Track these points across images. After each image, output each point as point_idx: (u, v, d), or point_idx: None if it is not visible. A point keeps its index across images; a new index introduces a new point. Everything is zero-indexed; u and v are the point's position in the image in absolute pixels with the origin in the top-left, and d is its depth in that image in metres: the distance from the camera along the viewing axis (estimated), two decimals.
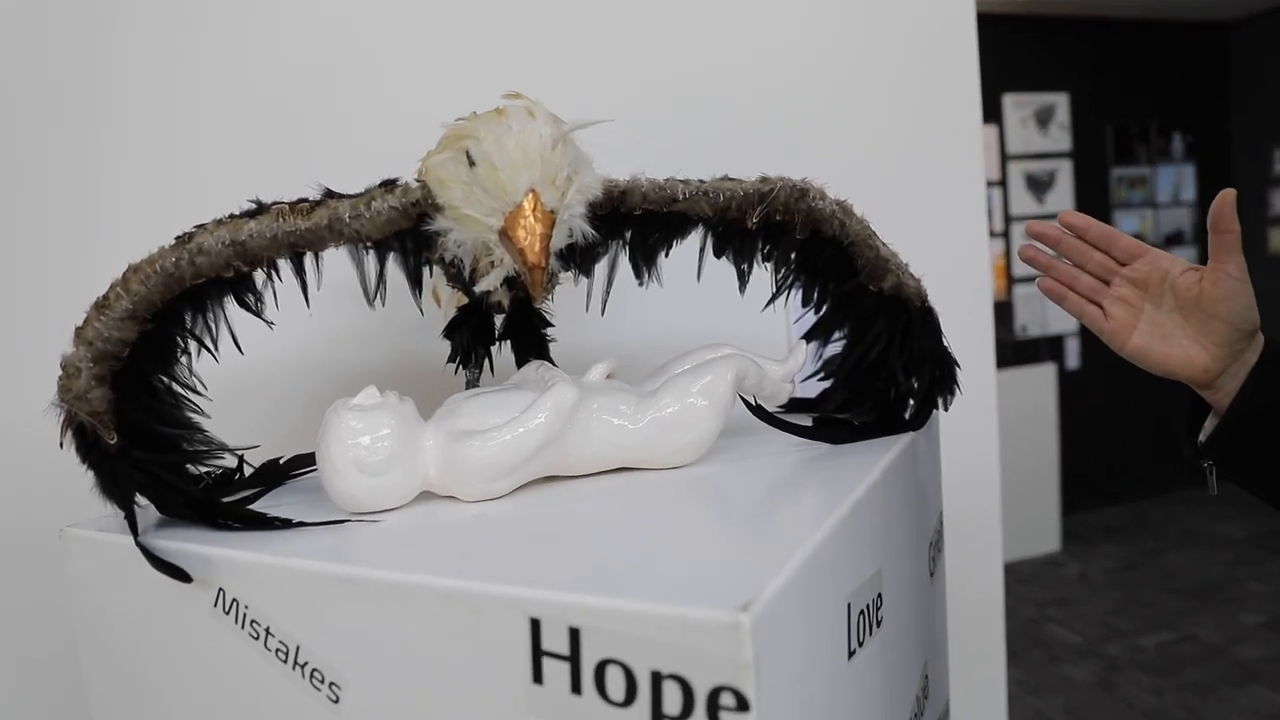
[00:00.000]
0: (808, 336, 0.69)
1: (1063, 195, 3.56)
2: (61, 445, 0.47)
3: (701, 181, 0.53)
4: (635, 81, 0.90)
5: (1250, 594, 2.93)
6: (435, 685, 0.38)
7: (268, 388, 0.79)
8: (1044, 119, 3.52)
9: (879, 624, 0.50)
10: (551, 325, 0.66)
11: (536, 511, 0.47)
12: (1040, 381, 3.37)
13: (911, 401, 0.63)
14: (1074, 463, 3.55)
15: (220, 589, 0.45)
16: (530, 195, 0.43)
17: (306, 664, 0.42)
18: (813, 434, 0.57)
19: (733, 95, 0.95)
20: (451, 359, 0.62)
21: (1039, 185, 3.56)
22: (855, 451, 0.56)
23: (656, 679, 0.32)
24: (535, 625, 0.34)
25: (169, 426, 0.55)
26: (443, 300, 0.74)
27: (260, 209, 0.49)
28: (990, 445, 1.14)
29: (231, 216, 0.49)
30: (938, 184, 1.05)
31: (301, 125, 0.83)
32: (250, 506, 0.52)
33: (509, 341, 0.64)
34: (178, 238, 0.48)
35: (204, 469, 0.57)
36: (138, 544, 0.46)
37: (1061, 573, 3.27)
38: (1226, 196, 0.56)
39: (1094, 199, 3.63)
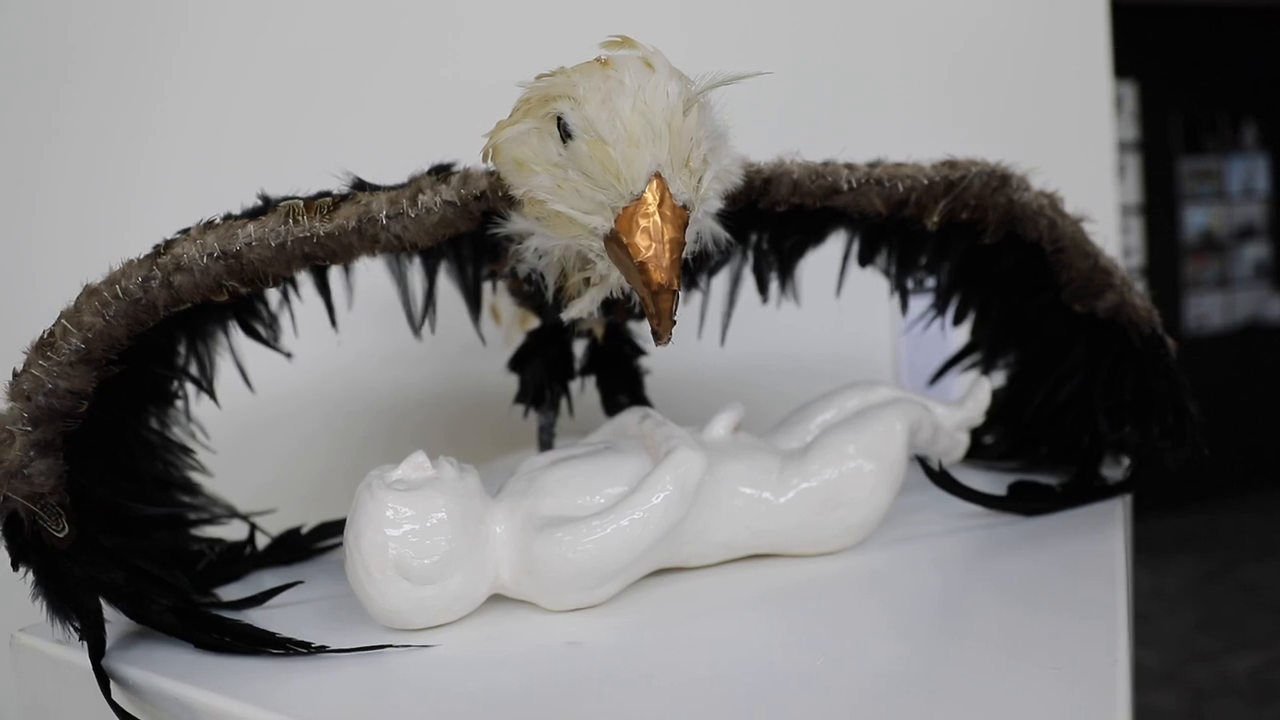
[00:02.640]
0: (952, 364, 0.55)
1: (1130, 187, 3.38)
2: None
3: (870, 166, 0.39)
4: (725, 42, 0.76)
5: None
6: None
7: (281, 432, 0.66)
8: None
9: None
10: (644, 354, 0.51)
11: (658, 640, 0.33)
12: None
13: (1105, 454, 0.48)
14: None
15: None
16: (655, 183, 0.29)
17: None
18: (1008, 506, 0.42)
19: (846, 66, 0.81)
20: (520, 399, 0.48)
21: None
22: (1054, 529, 0.42)
23: None
24: None
25: (152, 499, 0.41)
26: (504, 318, 0.60)
27: (266, 206, 0.35)
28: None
29: (227, 217, 0.35)
30: (1064, 168, 0.91)
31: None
32: (260, 608, 0.39)
33: (593, 376, 0.50)
34: (155, 247, 0.35)
35: (203, 544, 0.45)
36: (99, 679, 0.33)
37: (1134, 585, 3.07)
38: None
39: (1162, 191, 3.44)
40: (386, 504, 0.33)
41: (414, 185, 0.35)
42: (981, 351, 0.52)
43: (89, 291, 0.33)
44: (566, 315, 0.36)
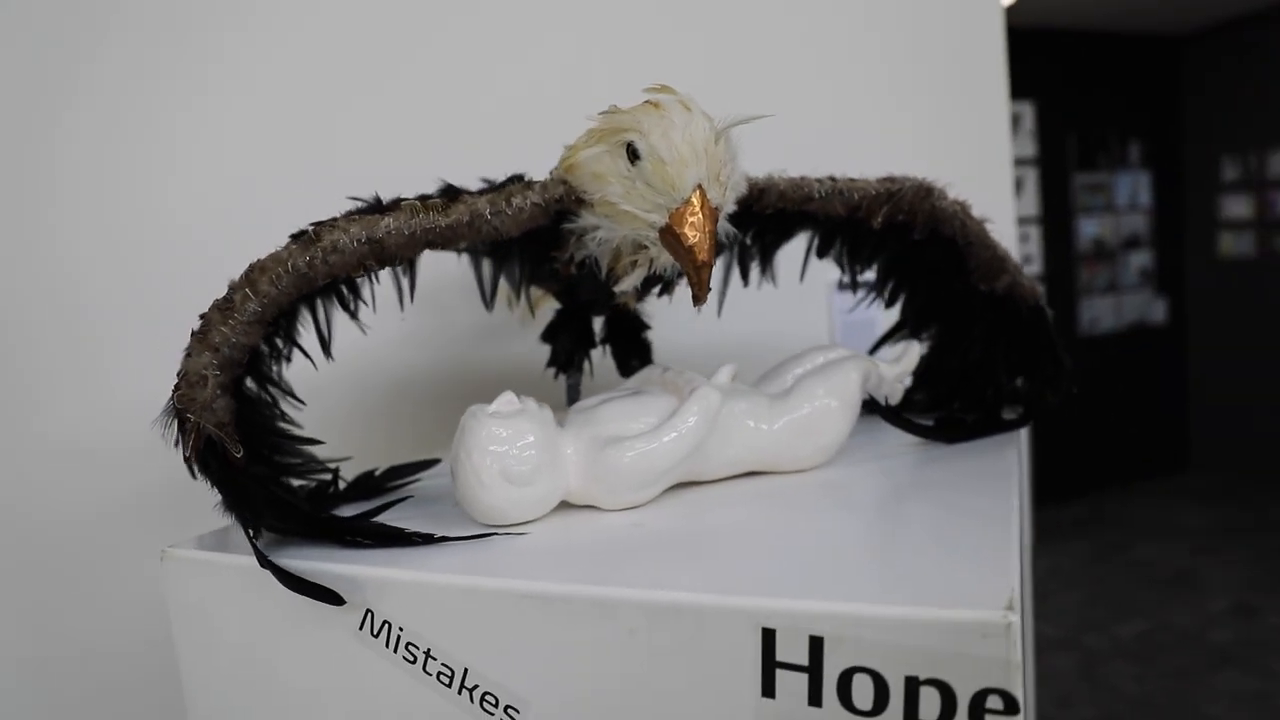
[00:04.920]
0: (888, 337, 0.69)
1: (1029, 200, 3.66)
2: (190, 463, 0.43)
3: (833, 180, 0.52)
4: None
5: (1214, 581, 3.03)
6: (637, 703, 0.36)
7: (334, 395, 0.76)
8: (1012, 126, 3.61)
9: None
10: (649, 327, 0.64)
11: (698, 521, 0.45)
12: None
13: (1004, 401, 0.63)
14: (1041, 458, 3.63)
15: (368, 610, 0.42)
16: (698, 192, 0.42)
17: (476, 687, 0.39)
18: (934, 434, 0.57)
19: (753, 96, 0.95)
20: (552, 364, 0.60)
21: None
22: (969, 452, 0.56)
23: (912, 685, 0.31)
24: (769, 636, 0.33)
25: (274, 437, 0.52)
26: (520, 303, 0.72)
27: (391, 204, 0.46)
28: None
29: (360, 213, 0.46)
30: (968, 182, 1.07)
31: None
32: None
33: (610, 346, 0.62)
34: (301, 235, 0.45)
35: (307, 478, 0.55)
36: (273, 567, 0.43)
37: (1033, 567, 3.34)
38: None
39: (1058, 204, 3.73)
40: (490, 427, 0.45)
41: (506, 190, 0.46)
42: (909, 327, 0.67)
43: (260, 269, 0.44)
44: (619, 288, 0.48)
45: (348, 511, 0.51)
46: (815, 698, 0.32)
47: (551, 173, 0.49)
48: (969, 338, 0.62)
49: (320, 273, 0.44)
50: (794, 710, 0.33)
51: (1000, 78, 1.11)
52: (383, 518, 0.50)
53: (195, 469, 0.44)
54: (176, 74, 0.76)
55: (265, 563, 0.43)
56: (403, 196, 0.47)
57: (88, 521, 0.75)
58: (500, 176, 0.53)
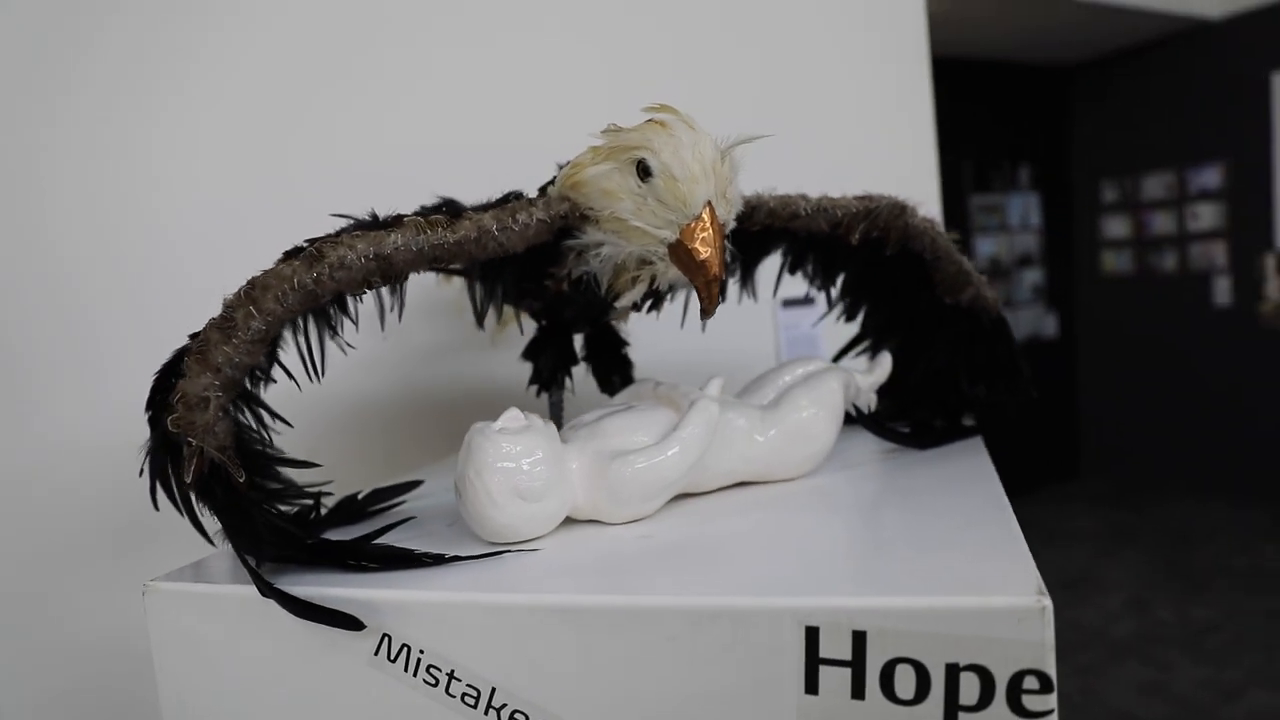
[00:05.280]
0: (849, 348, 0.72)
1: None
2: (191, 487, 0.42)
3: (816, 198, 0.54)
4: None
5: (1110, 579, 3.22)
6: (676, 710, 0.36)
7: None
8: None
9: None
10: (629, 344, 0.65)
11: (706, 530, 0.46)
12: None
13: (965, 408, 0.66)
14: None
15: (385, 635, 0.41)
16: (707, 208, 0.43)
17: (505, 706, 0.39)
18: (909, 440, 0.59)
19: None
20: (534, 381, 0.60)
21: None
22: (936, 458, 0.58)
23: (952, 672, 0.33)
24: (812, 634, 0.34)
25: (261, 460, 0.50)
26: (489, 323, 0.71)
27: (392, 221, 0.46)
28: None
29: (362, 229, 0.45)
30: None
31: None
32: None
33: (591, 363, 0.63)
34: (300, 252, 0.44)
35: (283, 507, 0.53)
36: (280, 595, 0.42)
37: None
38: None
39: (956, 224, 3.92)
40: (500, 444, 0.45)
41: (511, 207, 0.46)
42: (870, 339, 0.69)
43: (261, 286, 0.42)
44: (620, 303, 0.49)
45: (335, 537, 0.49)
46: (858, 691, 0.34)
47: (548, 189, 0.50)
48: (932, 348, 0.65)
49: (327, 289, 0.43)
50: (837, 705, 0.34)
51: (925, 105, 1.17)
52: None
53: (194, 496, 0.43)
54: (175, 75, 0.74)
55: (270, 591, 0.42)
56: (402, 213, 0.47)
57: (86, 522, 0.72)
58: (485, 184, 0.54)
